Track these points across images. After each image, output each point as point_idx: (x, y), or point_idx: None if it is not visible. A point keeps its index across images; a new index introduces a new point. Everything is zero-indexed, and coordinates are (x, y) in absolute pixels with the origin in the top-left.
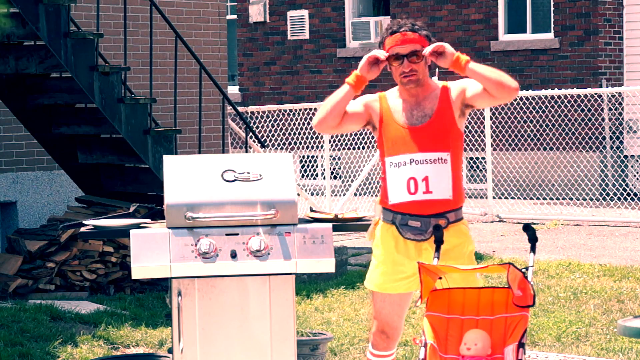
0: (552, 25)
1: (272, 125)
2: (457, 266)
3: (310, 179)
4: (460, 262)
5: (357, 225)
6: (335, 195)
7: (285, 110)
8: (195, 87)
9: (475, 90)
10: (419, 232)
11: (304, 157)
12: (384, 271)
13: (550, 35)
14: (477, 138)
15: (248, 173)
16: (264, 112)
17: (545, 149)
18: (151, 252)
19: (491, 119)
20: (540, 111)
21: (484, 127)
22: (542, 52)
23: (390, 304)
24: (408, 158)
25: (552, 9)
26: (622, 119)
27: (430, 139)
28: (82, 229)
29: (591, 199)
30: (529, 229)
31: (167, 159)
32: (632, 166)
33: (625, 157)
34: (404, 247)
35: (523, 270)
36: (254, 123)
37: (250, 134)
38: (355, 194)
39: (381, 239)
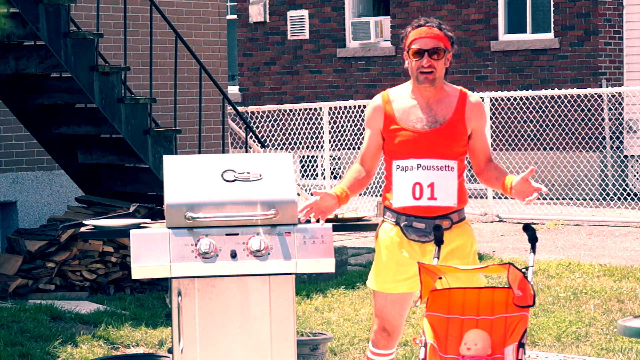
0: (552, 25)
1: (272, 125)
2: (456, 266)
3: (310, 179)
4: (465, 262)
5: (357, 225)
6: None
7: (285, 110)
8: (195, 87)
9: (474, 147)
10: (423, 233)
11: (304, 157)
12: (387, 271)
13: (550, 35)
14: None
15: (248, 173)
16: (264, 112)
17: (545, 149)
18: (151, 252)
19: (491, 119)
20: (540, 111)
21: None
22: (542, 52)
23: (392, 302)
24: (415, 163)
25: (552, 9)
26: (622, 119)
27: (439, 146)
28: (82, 229)
29: (591, 199)
30: (529, 229)
31: (167, 159)
32: (632, 166)
33: (625, 157)
34: (408, 248)
35: (523, 270)
36: (254, 123)
37: (250, 134)
38: None
39: (384, 239)
